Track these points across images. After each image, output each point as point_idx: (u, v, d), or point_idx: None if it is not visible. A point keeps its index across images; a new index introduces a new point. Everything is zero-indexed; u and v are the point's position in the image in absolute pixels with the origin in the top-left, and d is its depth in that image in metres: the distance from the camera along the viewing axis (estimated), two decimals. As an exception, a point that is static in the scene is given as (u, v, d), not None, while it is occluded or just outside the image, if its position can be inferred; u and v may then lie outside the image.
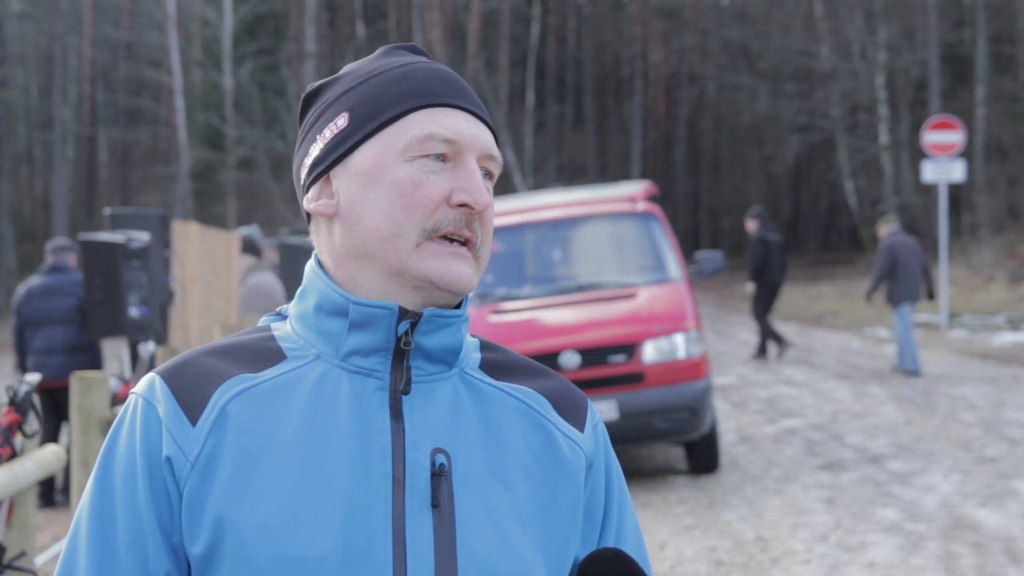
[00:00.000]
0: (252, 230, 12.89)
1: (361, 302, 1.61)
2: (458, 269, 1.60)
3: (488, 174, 1.66)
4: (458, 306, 1.66)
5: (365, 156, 1.62)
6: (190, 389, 1.59)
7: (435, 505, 1.56)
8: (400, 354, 1.61)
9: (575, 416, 1.71)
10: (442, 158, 1.62)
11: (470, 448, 1.62)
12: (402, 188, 1.60)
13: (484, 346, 1.73)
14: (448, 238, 1.61)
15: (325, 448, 1.57)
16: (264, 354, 1.64)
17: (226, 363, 1.62)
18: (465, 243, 1.62)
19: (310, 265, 1.67)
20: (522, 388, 1.69)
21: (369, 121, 1.63)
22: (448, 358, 1.64)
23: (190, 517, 1.56)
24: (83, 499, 1.61)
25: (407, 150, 1.61)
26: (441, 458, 1.59)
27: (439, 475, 1.58)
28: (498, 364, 1.71)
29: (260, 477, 1.55)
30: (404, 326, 1.60)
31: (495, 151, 1.66)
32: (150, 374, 1.63)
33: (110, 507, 1.59)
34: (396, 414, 1.60)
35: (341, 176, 1.64)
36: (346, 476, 1.56)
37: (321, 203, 1.65)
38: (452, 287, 1.60)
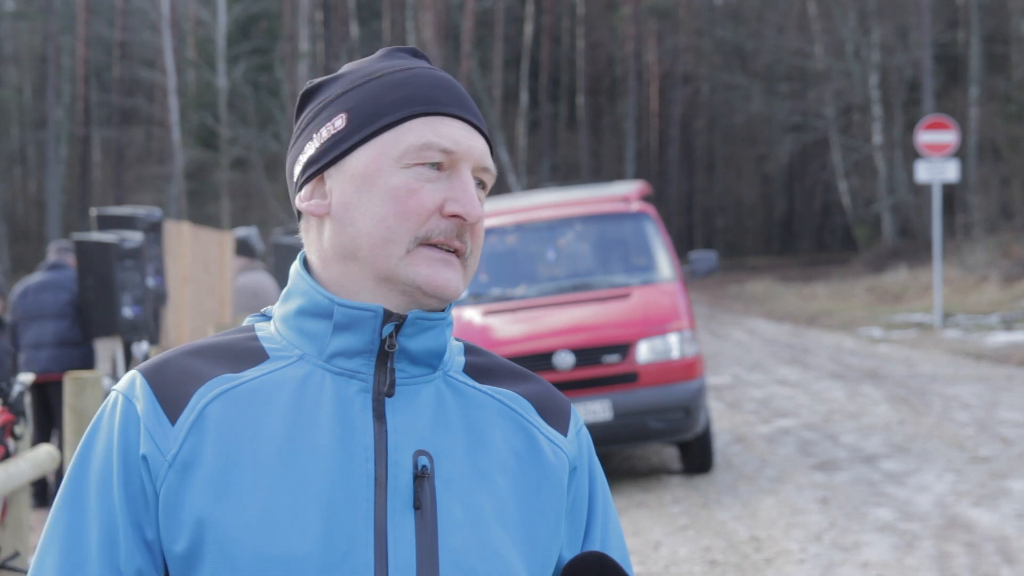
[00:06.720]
0: (251, 232, 12.88)
1: (346, 304, 1.61)
2: (446, 276, 1.61)
3: (481, 184, 1.66)
4: (442, 309, 1.66)
5: (361, 160, 1.62)
6: (171, 388, 1.59)
7: (417, 507, 1.57)
8: (384, 356, 1.61)
9: (558, 420, 1.71)
10: (437, 167, 1.62)
11: (453, 450, 1.62)
12: (396, 195, 1.60)
13: (468, 350, 1.73)
14: (438, 246, 1.62)
15: (307, 449, 1.57)
16: (247, 354, 1.63)
17: (208, 363, 1.62)
18: (455, 252, 1.62)
19: (295, 267, 1.67)
20: (506, 391, 1.70)
21: (367, 125, 1.62)
22: (432, 361, 1.64)
23: (168, 516, 1.55)
24: (59, 494, 1.61)
25: (403, 157, 1.61)
26: (424, 460, 1.59)
27: (421, 477, 1.58)
28: (482, 368, 1.71)
29: (241, 477, 1.55)
30: (389, 328, 1.60)
31: (489, 163, 1.66)
32: (132, 371, 1.63)
33: (83, 503, 1.58)
34: (379, 416, 1.60)
35: (335, 177, 1.64)
36: (328, 477, 1.56)
37: (313, 203, 1.65)
38: (439, 293, 1.61)
